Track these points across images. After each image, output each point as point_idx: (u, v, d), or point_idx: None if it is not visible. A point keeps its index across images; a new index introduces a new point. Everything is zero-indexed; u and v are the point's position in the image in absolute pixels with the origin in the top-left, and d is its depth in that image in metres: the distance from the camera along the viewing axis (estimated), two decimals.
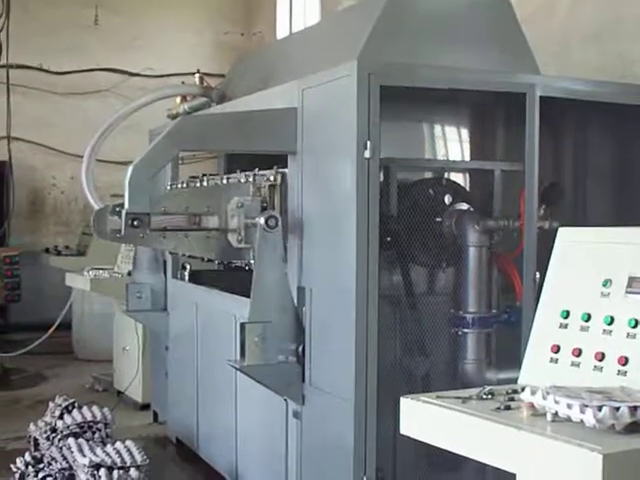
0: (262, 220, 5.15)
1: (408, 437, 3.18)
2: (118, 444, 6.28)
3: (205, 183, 6.73)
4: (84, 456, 6.04)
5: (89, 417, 6.94)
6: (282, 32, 15.16)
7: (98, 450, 6.15)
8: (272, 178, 5.65)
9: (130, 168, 5.12)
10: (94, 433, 6.85)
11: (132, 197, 5.08)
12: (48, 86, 14.98)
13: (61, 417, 7.01)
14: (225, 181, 6.29)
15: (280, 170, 5.70)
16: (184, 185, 7.07)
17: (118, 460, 5.99)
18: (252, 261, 5.69)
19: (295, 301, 5.39)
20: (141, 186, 5.13)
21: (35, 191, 15.20)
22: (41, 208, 15.26)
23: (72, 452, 6.21)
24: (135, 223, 5.07)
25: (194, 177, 7.14)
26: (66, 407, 7.17)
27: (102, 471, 5.88)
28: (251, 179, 5.87)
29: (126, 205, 5.09)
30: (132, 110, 8.05)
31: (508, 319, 5.35)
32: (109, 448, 6.20)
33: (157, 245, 5.96)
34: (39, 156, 15.00)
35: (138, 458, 6.08)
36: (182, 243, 5.83)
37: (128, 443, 6.29)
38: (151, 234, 5.46)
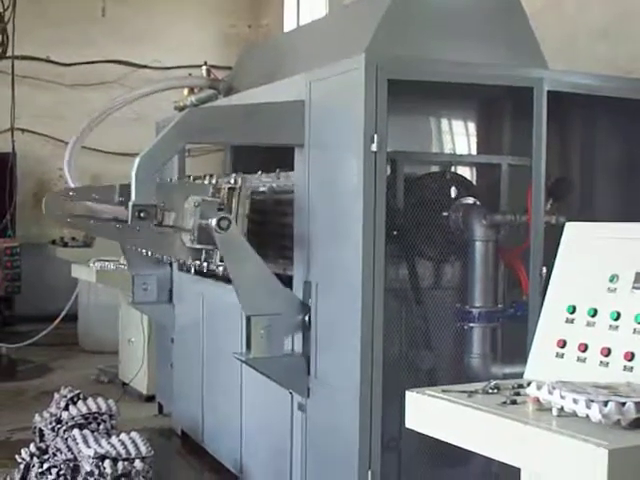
0: (214, 222, 5.10)
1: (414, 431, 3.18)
2: (123, 435, 6.29)
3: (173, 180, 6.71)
4: (89, 447, 6.05)
5: (94, 408, 6.95)
6: (289, 25, 15.15)
7: (103, 441, 6.16)
8: (232, 181, 5.60)
9: (137, 160, 5.11)
10: (99, 424, 6.86)
11: (139, 189, 5.07)
12: (55, 78, 15.00)
13: (66, 408, 7.02)
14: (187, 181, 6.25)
15: (241, 175, 5.68)
16: None
17: (123, 451, 6.00)
18: (205, 263, 5.69)
19: (301, 295, 5.40)
20: (148, 178, 5.13)
21: (41, 182, 15.21)
22: None
23: (77, 443, 6.22)
24: (142, 215, 5.06)
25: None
26: (71, 398, 7.19)
27: (107, 462, 5.90)
28: (214, 181, 5.83)
29: (132, 197, 5.08)
30: (137, 97, 8.05)
31: (514, 314, 5.34)
32: (114, 439, 6.21)
33: (108, 236, 5.91)
34: (45, 148, 15.02)
35: (143, 449, 6.09)
36: (135, 238, 5.77)
37: (133, 434, 6.30)
38: (105, 224, 5.45)
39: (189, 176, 6.69)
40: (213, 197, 5.48)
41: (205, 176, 6.84)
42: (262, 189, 6.22)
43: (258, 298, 5.28)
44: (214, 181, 5.73)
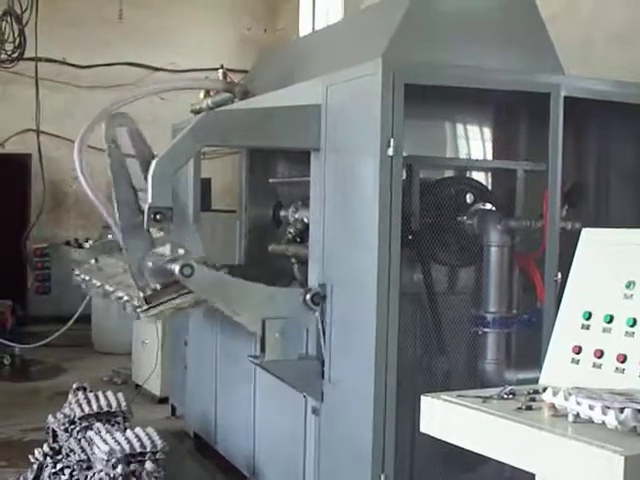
0: (177, 268, 5.03)
1: (427, 435, 3.18)
2: (138, 429, 6.27)
3: None
4: (103, 441, 6.03)
5: (105, 407, 6.94)
6: (305, 29, 15.17)
7: (118, 434, 6.14)
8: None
9: (154, 163, 5.13)
10: (112, 425, 6.86)
11: (155, 191, 5.09)
12: (71, 79, 15.05)
13: (79, 406, 7.01)
14: None
15: None
16: None
17: (137, 445, 5.97)
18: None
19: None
20: (164, 180, 5.14)
21: (57, 184, 15.26)
22: (63, 201, 15.32)
23: (90, 443, 6.21)
24: (158, 217, 5.07)
25: None
26: (84, 394, 7.15)
27: (118, 463, 5.88)
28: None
29: (149, 199, 5.10)
30: (152, 92, 8.04)
31: (529, 319, 5.34)
32: (129, 433, 6.19)
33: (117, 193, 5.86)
34: (62, 149, 15.04)
35: (158, 443, 6.07)
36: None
37: (149, 430, 6.28)
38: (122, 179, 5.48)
39: None
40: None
41: None
42: None
43: (259, 310, 5.29)
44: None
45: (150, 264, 5.16)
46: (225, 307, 5.28)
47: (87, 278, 6.92)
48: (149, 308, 5.17)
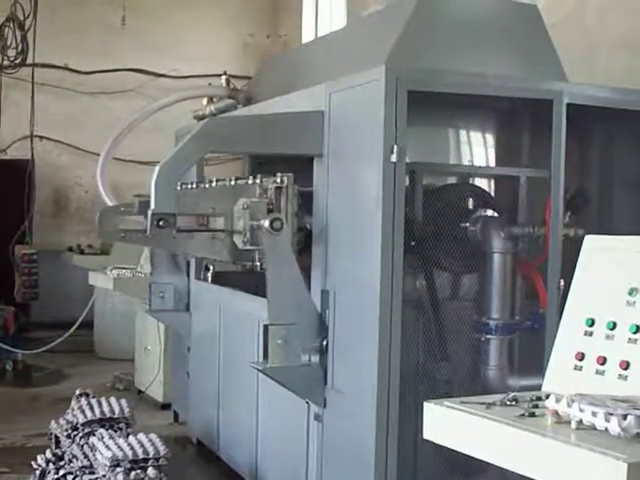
0: (267, 223, 5.12)
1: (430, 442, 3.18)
2: (141, 435, 6.27)
3: (214, 184, 6.71)
4: (106, 447, 6.04)
5: (108, 413, 6.95)
6: (308, 35, 15.17)
7: (120, 441, 6.14)
8: (279, 180, 5.61)
9: (157, 169, 5.13)
10: (115, 432, 6.87)
11: (158, 198, 5.09)
12: (75, 86, 15.06)
13: (82, 412, 7.02)
14: (232, 183, 6.26)
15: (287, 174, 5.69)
16: (193, 186, 7.02)
17: (140, 451, 5.98)
18: (257, 263, 5.70)
19: (318, 304, 5.41)
20: (167, 187, 5.14)
21: (60, 190, 15.28)
22: (65, 207, 15.34)
23: (93, 449, 6.22)
24: (161, 224, 5.08)
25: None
26: (87, 400, 7.16)
27: (119, 471, 5.88)
28: (258, 181, 5.84)
29: (152, 206, 5.10)
30: (158, 108, 8.09)
31: (531, 326, 5.34)
32: (131, 439, 6.20)
33: (163, 246, 5.96)
34: (64, 155, 15.09)
35: (161, 450, 6.07)
36: (188, 244, 5.80)
37: (151, 436, 6.28)
38: (159, 235, 5.49)
39: (237, 178, 6.66)
40: (261, 198, 5.50)
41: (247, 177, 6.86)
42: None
43: (285, 306, 5.29)
44: (259, 181, 5.73)
45: (245, 240, 5.30)
46: (270, 280, 5.27)
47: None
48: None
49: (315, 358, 5.43)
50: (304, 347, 5.34)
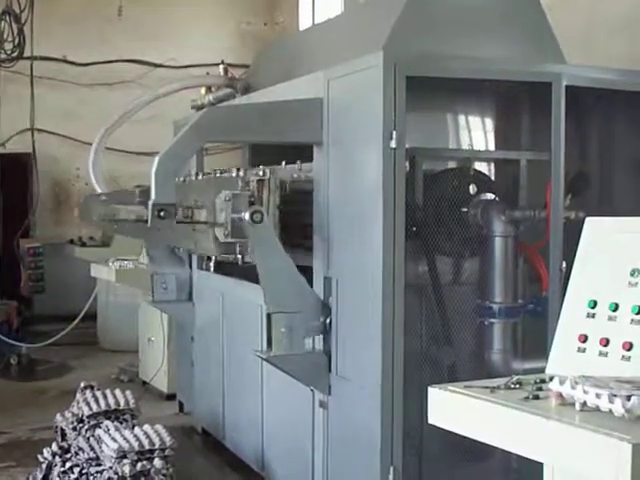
0: (247, 215, 5.11)
1: (435, 427, 3.19)
2: (146, 427, 6.28)
3: (199, 177, 6.69)
4: (112, 439, 6.04)
5: (113, 405, 6.95)
6: (305, 22, 15.15)
7: (126, 432, 6.15)
8: (261, 173, 5.59)
9: (156, 159, 5.13)
10: (121, 423, 6.88)
11: (158, 188, 5.09)
12: (72, 78, 15.03)
13: (87, 404, 7.03)
14: (216, 175, 6.23)
15: (269, 167, 5.69)
16: (181, 179, 6.97)
17: (146, 442, 5.98)
18: (239, 256, 5.69)
19: (321, 291, 5.41)
20: (167, 177, 5.14)
21: (60, 182, 15.26)
22: (66, 199, 15.32)
23: (99, 441, 6.22)
24: (162, 214, 5.08)
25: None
26: (92, 393, 7.17)
27: (126, 462, 5.88)
28: (241, 174, 5.82)
29: (152, 196, 5.10)
30: (156, 97, 8.07)
31: (534, 309, 5.34)
32: (137, 430, 6.20)
33: (143, 236, 5.94)
34: (64, 148, 15.05)
35: (167, 440, 6.08)
36: (171, 236, 5.77)
37: (157, 427, 6.29)
38: (139, 225, 5.49)
39: (217, 170, 6.67)
40: (243, 190, 5.48)
41: (231, 170, 6.84)
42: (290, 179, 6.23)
43: (282, 295, 5.30)
44: (242, 174, 5.70)
45: (226, 232, 5.24)
46: (262, 272, 5.29)
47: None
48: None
49: (319, 345, 5.44)
50: (308, 326, 5.36)
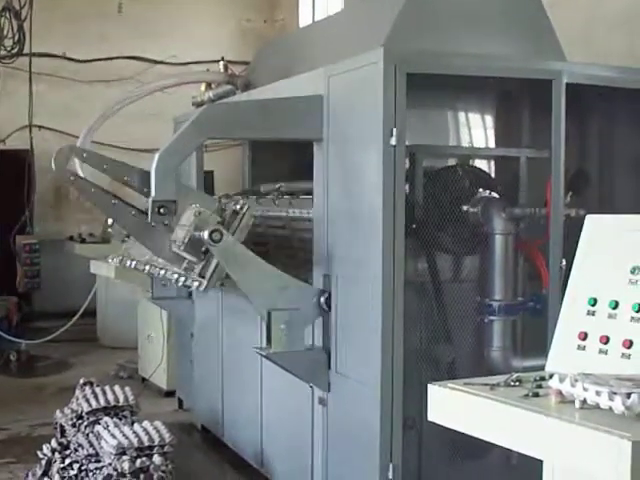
0: (206, 234, 5.03)
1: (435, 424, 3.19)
2: (146, 423, 6.27)
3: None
4: (112, 436, 6.04)
5: (113, 401, 6.95)
6: (305, 20, 15.15)
7: (126, 429, 6.14)
8: (238, 206, 5.52)
9: (156, 156, 5.13)
10: (120, 420, 6.87)
11: (158, 185, 5.09)
12: (72, 74, 15.01)
13: (87, 401, 7.03)
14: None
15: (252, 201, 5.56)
16: None
17: (145, 438, 5.98)
18: (177, 276, 5.54)
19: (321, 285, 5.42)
20: (167, 174, 5.14)
21: (59, 179, 15.21)
22: (65, 196, 15.30)
23: (98, 437, 6.22)
24: (162, 211, 5.07)
25: None
26: (91, 389, 7.16)
27: (125, 459, 5.88)
28: (223, 200, 5.73)
29: (152, 193, 5.10)
30: (155, 89, 8.05)
31: (534, 307, 5.34)
32: (137, 427, 6.20)
33: (103, 209, 5.81)
34: (62, 144, 15.01)
35: (166, 437, 6.08)
36: (125, 218, 5.64)
37: (156, 423, 6.28)
38: (103, 197, 5.45)
39: (224, 195, 6.50)
40: (215, 213, 5.33)
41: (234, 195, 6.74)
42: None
43: (270, 296, 5.28)
44: (225, 200, 5.61)
45: (179, 243, 5.15)
46: (241, 283, 5.27)
47: (129, 263, 6.83)
48: (209, 281, 5.26)
49: (318, 342, 5.44)
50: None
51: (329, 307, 5.34)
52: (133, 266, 6.55)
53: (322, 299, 5.35)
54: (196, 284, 5.36)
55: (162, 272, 5.81)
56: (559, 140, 5.14)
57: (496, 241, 5.24)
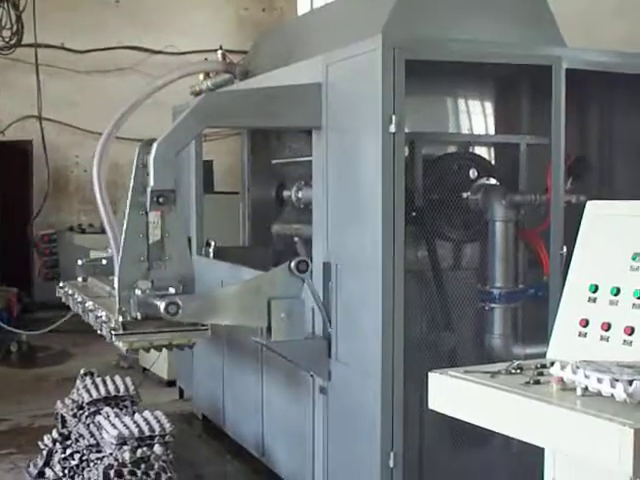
0: (162, 306, 4.91)
1: (435, 412, 3.18)
2: (147, 413, 6.27)
3: None
4: (112, 426, 6.03)
5: (113, 391, 6.94)
6: (303, 8, 15.11)
7: (126, 419, 6.14)
8: None
9: (155, 145, 5.11)
10: (121, 410, 6.87)
11: (157, 174, 5.07)
12: (70, 65, 14.98)
13: (87, 391, 7.02)
14: None
15: None
16: None
17: (146, 428, 5.97)
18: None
19: (321, 276, 5.39)
20: (166, 163, 5.12)
21: (59, 170, 15.22)
22: (65, 187, 15.30)
23: (99, 427, 6.21)
24: (160, 200, 5.06)
25: None
26: (92, 380, 7.16)
27: (126, 449, 5.87)
28: None
29: (151, 182, 5.08)
30: (156, 89, 8.03)
31: (535, 294, 5.33)
32: (137, 417, 6.19)
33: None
34: (62, 135, 15.01)
35: (167, 427, 6.07)
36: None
37: (157, 413, 6.27)
38: None
39: None
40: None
41: None
42: None
43: (253, 310, 5.28)
44: None
45: (139, 292, 5.08)
46: (229, 320, 5.30)
47: (70, 292, 6.86)
48: (124, 334, 5.06)
49: (319, 331, 5.43)
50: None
51: (302, 271, 5.26)
52: None
53: (292, 264, 5.22)
54: (112, 325, 5.26)
55: None
56: (559, 126, 5.12)
57: (497, 228, 5.23)
